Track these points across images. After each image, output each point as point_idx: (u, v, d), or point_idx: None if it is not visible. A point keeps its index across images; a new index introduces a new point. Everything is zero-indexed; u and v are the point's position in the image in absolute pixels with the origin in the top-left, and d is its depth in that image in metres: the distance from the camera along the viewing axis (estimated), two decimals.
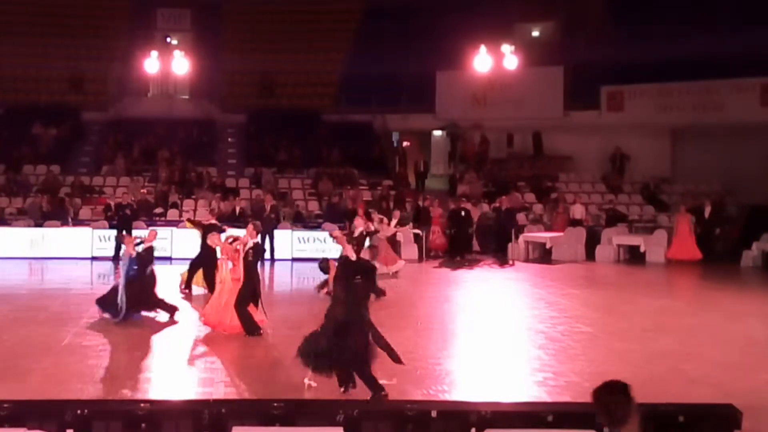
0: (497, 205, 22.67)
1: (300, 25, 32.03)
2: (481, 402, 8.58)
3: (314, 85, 31.23)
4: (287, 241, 21.57)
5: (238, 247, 11.93)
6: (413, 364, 10.10)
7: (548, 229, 23.60)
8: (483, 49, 27.23)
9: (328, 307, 9.01)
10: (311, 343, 8.81)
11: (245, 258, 11.78)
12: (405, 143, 29.13)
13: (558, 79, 29.04)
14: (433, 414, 8.26)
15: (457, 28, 27.59)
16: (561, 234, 22.55)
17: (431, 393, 9.04)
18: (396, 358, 8.88)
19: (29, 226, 21.71)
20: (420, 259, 21.65)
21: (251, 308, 11.77)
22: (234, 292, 11.66)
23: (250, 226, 12.31)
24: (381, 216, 18.73)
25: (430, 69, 29.37)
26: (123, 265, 12.60)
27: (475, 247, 22.45)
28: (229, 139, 30.19)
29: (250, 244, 11.96)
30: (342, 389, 8.90)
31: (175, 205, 24.23)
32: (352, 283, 9.27)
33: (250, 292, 11.80)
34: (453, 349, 11.30)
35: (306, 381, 9.09)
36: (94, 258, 20.72)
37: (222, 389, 9.06)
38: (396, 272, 18.30)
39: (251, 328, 11.63)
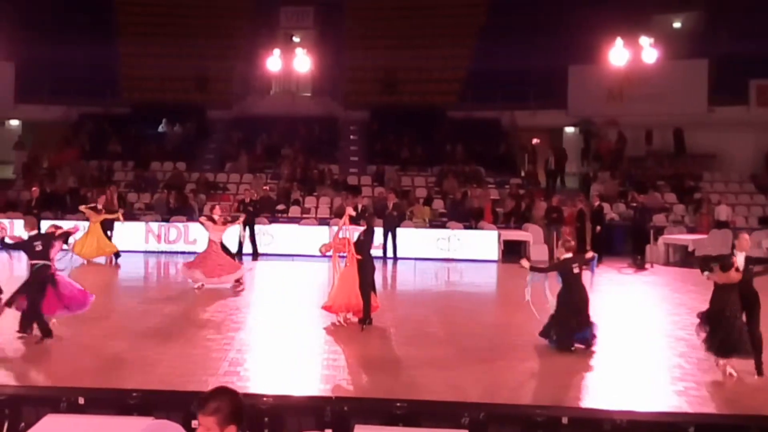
0: (635, 204, 22.06)
1: (423, 20, 32.16)
2: (616, 410, 8.37)
3: (438, 81, 31.26)
4: (411, 239, 21.71)
5: (342, 235, 12.67)
6: (543, 368, 9.96)
7: (690, 231, 22.79)
8: (619, 41, 26.62)
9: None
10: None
11: (357, 242, 12.48)
12: (535, 140, 28.74)
13: (701, 73, 27.93)
14: (564, 420, 8.14)
15: (590, 21, 27.02)
16: (705, 236, 21.69)
17: (562, 399, 8.84)
18: None
19: (156, 221, 22.81)
20: (550, 260, 21.29)
21: (372, 296, 12.32)
22: (353, 276, 12.26)
23: (349, 208, 13.40)
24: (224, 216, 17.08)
25: (561, 63, 28.85)
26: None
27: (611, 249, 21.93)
28: (351, 137, 30.63)
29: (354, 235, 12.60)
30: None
31: (297, 202, 24.85)
32: None
33: (369, 274, 12.36)
34: (585, 354, 11.02)
35: (728, 370, 9.62)
36: None
37: (344, 387, 9.19)
38: (238, 282, 16.21)
39: (367, 314, 12.18)
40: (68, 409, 7.74)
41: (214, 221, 16.10)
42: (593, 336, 11.01)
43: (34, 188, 22.87)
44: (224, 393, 4.09)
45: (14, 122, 31.02)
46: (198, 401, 4.03)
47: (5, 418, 7.98)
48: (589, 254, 11.95)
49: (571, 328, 10.88)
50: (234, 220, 17.10)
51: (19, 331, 10.89)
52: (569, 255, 11.41)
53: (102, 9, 32.28)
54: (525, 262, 11.72)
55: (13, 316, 11.10)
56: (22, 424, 7.80)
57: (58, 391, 8.28)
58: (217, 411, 3.95)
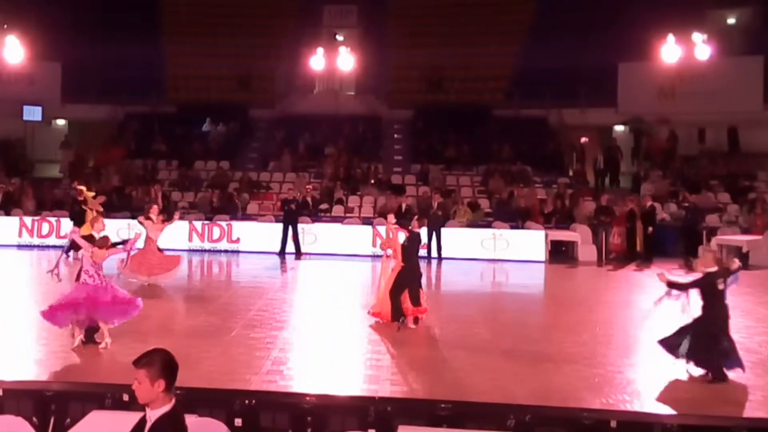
0: (686, 204, 21.74)
1: (469, 17, 32.06)
2: (667, 414, 8.24)
3: (485, 79, 31.15)
4: (456, 239, 21.65)
5: (391, 235, 12.83)
6: (591, 371, 9.85)
7: (745, 231, 22.36)
8: (671, 38, 26.27)
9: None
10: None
11: (402, 245, 12.47)
12: (583, 139, 28.47)
13: (757, 70, 27.47)
14: (613, 424, 8.03)
15: (641, 17, 26.79)
16: (759, 237, 21.27)
17: (610, 402, 8.72)
18: None
19: (200, 219, 23.09)
20: (599, 262, 21.13)
21: (404, 297, 12.24)
22: (392, 280, 12.30)
23: (390, 215, 13.73)
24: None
25: (611, 61, 28.56)
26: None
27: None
28: (396, 135, 30.68)
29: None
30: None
31: (340, 202, 24.94)
32: None
33: (406, 279, 12.28)
34: (635, 357, 10.87)
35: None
36: (260, 252, 21.70)
37: (388, 387, 9.17)
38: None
39: (397, 313, 12.20)
40: (113, 406, 7.85)
41: (152, 220, 16.31)
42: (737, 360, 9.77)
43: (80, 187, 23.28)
44: (156, 351, 4.75)
45: (61, 122, 31.68)
46: (136, 359, 4.64)
47: (52, 413, 8.13)
48: (735, 264, 10.34)
49: (722, 352, 9.65)
50: (170, 220, 17.11)
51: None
52: (714, 268, 9.98)
53: (148, 9, 32.81)
54: (663, 277, 10.43)
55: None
56: (68, 419, 7.93)
57: (103, 387, 8.40)
58: (148, 365, 4.62)
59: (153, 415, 4.79)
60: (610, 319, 13.69)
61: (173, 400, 4.83)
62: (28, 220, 22.79)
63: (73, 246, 12.51)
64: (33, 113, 30.62)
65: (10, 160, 29.23)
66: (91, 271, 10.64)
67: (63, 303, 10.50)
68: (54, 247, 22.23)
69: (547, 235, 21.67)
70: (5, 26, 28.64)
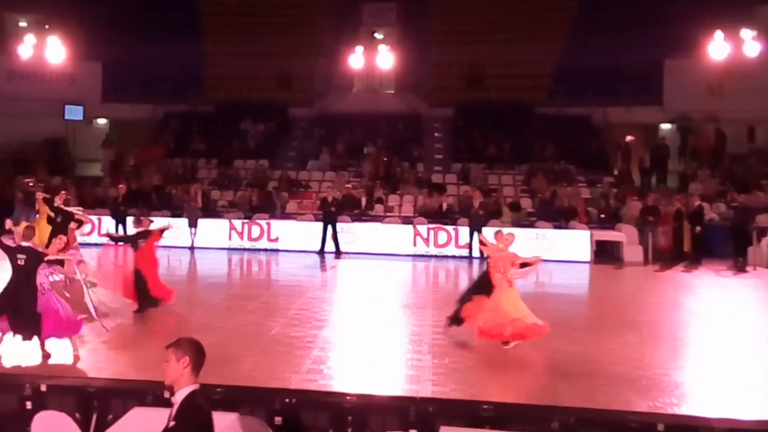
0: (735, 204, 21.39)
1: (511, 14, 31.87)
2: (716, 418, 8.12)
3: (527, 76, 30.90)
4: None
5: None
6: (638, 373, 9.76)
7: None
8: (719, 34, 25.88)
9: None
10: None
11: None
12: (628, 138, 28.15)
13: None
14: (660, 427, 7.95)
15: (688, 13, 26.41)
16: None
17: (658, 405, 8.63)
18: None
19: (239, 218, 23.28)
20: (645, 262, 20.90)
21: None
22: (512, 298, 11.19)
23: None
24: None
25: (656, 58, 28.21)
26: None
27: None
28: (436, 134, 30.62)
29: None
30: None
31: (380, 201, 24.96)
32: None
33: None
34: (683, 360, 10.75)
35: None
36: (300, 251, 21.83)
37: (429, 387, 9.17)
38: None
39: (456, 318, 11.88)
40: (154, 403, 7.94)
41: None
42: None
43: (121, 185, 23.66)
44: (185, 337, 5.26)
45: (102, 121, 32.14)
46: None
47: (94, 410, 8.26)
48: None
49: None
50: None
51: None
52: None
53: (187, 8, 33.15)
54: None
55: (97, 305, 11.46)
56: (110, 416, 8.06)
57: (144, 384, 8.52)
58: (175, 344, 5.14)
59: (179, 396, 5.11)
60: (658, 320, 13.54)
61: (198, 384, 5.16)
62: None
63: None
64: (74, 113, 31.16)
65: (53, 158, 29.76)
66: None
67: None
68: (96, 245, 22.60)
69: (592, 235, 21.48)
70: (47, 26, 29.16)
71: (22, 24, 31.47)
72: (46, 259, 10.21)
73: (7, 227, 10.57)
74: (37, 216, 15.63)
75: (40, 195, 15.42)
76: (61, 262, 10.73)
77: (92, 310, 11.51)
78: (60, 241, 11.15)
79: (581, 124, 28.96)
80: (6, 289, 10.07)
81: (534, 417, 8.12)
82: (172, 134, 30.34)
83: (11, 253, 10.06)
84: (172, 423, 5.11)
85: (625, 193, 24.35)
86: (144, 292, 13.08)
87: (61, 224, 14.81)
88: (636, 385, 9.26)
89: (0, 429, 8.13)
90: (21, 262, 9.97)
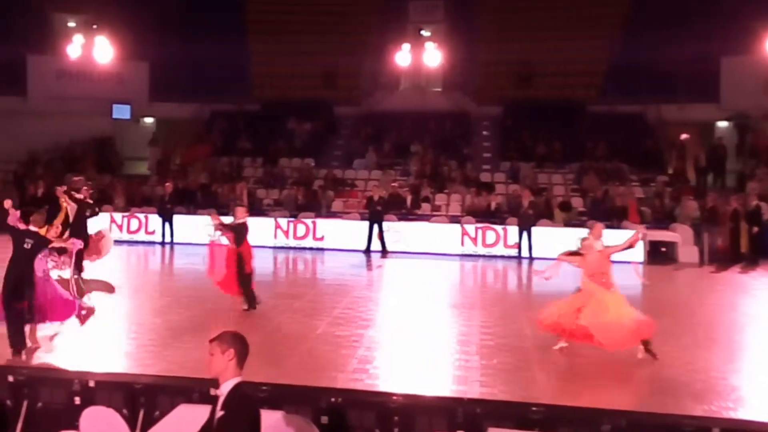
0: None
1: (561, 11, 31.55)
2: None
3: (577, 74, 30.61)
4: (548, 238, 21.34)
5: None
6: (693, 376, 9.59)
7: None
8: None
9: None
10: None
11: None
12: (683, 136, 27.70)
13: None
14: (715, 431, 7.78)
15: (745, 8, 25.86)
16: None
17: (713, 409, 8.47)
18: None
19: (285, 216, 23.43)
20: (701, 263, 20.55)
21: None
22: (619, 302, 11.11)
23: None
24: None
25: (713, 54, 27.70)
26: None
27: None
28: (484, 132, 30.47)
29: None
30: None
31: (426, 200, 24.91)
32: None
33: None
34: (740, 363, 10.54)
35: None
36: (345, 250, 21.90)
37: (477, 388, 9.11)
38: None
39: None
40: (200, 400, 8.00)
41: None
42: None
43: (167, 184, 23.98)
44: (228, 330, 5.41)
45: (149, 120, 32.62)
46: None
47: (141, 406, 8.35)
48: None
49: None
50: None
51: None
52: None
53: (233, 7, 33.44)
54: None
55: (145, 302, 11.58)
56: (157, 412, 8.15)
57: (191, 381, 8.59)
58: (219, 338, 5.28)
59: (224, 389, 5.24)
60: (713, 322, 13.32)
61: (241, 377, 5.31)
62: (117, 216, 23.56)
63: None
64: (122, 112, 31.69)
65: (101, 157, 30.28)
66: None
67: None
68: (143, 242, 22.95)
69: (645, 235, 21.16)
70: (95, 27, 29.67)
71: (71, 24, 32.12)
72: (50, 246, 10.47)
73: (6, 207, 10.76)
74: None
75: (61, 189, 15.54)
76: (63, 250, 11.02)
77: (74, 291, 11.52)
78: (56, 229, 11.30)
79: (634, 122, 28.56)
80: (9, 271, 10.18)
81: (584, 420, 8.01)
82: (219, 133, 30.65)
83: (20, 236, 10.21)
84: (221, 412, 5.19)
85: (680, 192, 24.00)
86: (248, 290, 13.27)
87: (78, 217, 15.01)
88: (690, 388, 9.10)
89: (49, 424, 8.25)
90: (27, 246, 10.14)
